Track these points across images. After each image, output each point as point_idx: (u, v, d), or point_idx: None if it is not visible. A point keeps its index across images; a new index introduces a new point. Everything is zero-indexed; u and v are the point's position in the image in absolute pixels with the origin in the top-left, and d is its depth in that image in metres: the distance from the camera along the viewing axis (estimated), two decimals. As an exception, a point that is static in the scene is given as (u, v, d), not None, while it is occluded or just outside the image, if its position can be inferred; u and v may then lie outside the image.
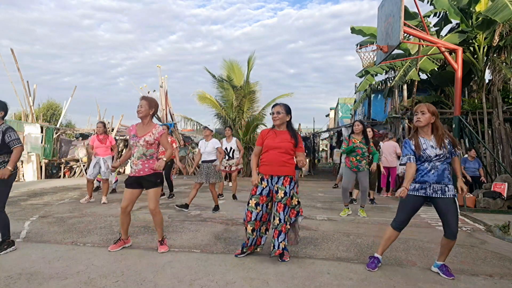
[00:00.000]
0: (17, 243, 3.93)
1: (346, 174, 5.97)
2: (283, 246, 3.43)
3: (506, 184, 6.68)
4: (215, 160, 6.17)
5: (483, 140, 9.52)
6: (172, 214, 5.82)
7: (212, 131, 6.61)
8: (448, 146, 3.18)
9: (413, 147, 3.19)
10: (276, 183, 3.47)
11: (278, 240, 3.42)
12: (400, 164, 3.69)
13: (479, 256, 3.78)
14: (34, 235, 4.33)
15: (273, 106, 3.62)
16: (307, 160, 16.34)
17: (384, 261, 3.50)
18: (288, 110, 3.59)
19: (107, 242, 4.02)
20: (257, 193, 3.51)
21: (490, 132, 10.01)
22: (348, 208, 6.08)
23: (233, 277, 3.02)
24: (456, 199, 3.14)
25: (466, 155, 8.33)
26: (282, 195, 3.42)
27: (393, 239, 3.33)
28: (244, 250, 3.59)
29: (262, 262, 3.42)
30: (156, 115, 3.95)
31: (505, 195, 6.53)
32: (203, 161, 6.14)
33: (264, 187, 3.50)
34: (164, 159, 3.60)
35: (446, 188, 3.11)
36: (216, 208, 6.16)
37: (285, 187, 3.45)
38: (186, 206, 6.10)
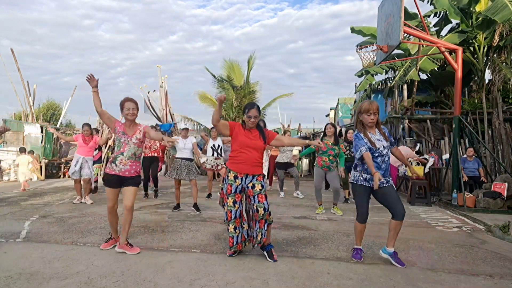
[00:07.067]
0: (17, 243, 3.93)
1: (317, 174, 6.17)
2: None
3: (506, 184, 6.67)
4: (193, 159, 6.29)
5: (483, 140, 9.52)
6: (172, 214, 5.83)
7: (188, 129, 6.77)
8: (389, 137, 3.44)
9: (366, 141, 3.39)
10: (251, 181, 3.57)
11: (264, 229, 3.51)
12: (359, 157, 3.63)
13: (479, 256, 3.78)
14: (34, 235, 4.33)
15: (249, 109, 3.67)
16: (307, 160, 16.24)
17: (384, 261, 3.50)
18: (260, 112, 3.78)
19: (107, 242, 4.03)
20: (232, 191, 3.57)
21: (490, 132, 10.00)
22: (322, 206, 6.23)
23: (233, 277, 3.02)
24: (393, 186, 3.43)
25: (465, 155, 8.31)
26: (260, 187, 3.56)
27: (364, 230, 3.58)
28: (234, 250, 3.60)
29: (262, 262, 3.42)
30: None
31: (505, 195, 6.53)
32: (183, 158, 6.14)
33: (238, 185, 3.57)
34: (165, 140, 3.61)
35: (388, 179, 3.42)
36: (195, 206, 6.02)
37: (260, 181, 3.60)
38: (178, 206, 6.18)
